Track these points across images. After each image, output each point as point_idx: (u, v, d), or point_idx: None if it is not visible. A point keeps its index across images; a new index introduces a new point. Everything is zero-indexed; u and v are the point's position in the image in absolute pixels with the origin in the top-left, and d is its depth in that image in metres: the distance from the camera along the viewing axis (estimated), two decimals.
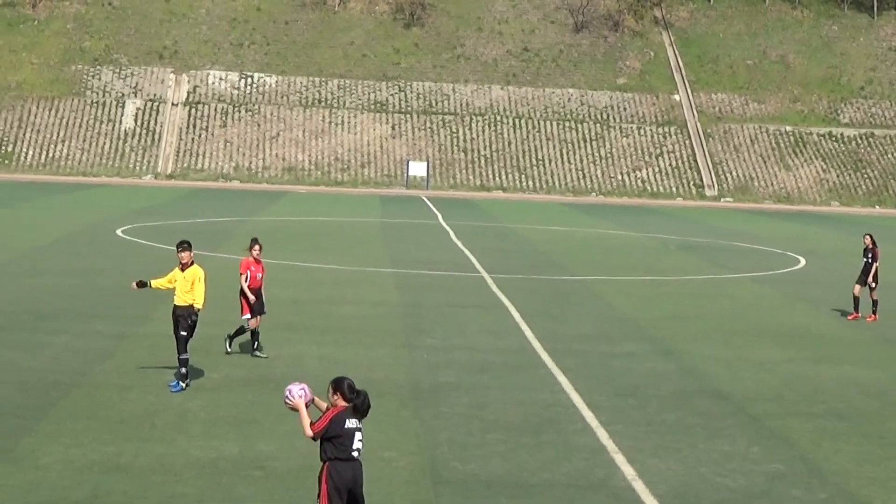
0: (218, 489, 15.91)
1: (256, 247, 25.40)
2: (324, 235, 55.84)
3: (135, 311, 30.49)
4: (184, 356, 21.75)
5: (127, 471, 16.51)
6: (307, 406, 12.97)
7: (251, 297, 24.84)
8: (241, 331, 25.01)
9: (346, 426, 12.63)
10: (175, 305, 22.07)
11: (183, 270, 22.02)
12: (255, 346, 24.90)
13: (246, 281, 24.94)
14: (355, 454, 12.67)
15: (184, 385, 21.66)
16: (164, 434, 18.59)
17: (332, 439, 12.64)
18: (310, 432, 12.74)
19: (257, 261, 25.23)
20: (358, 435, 12.68)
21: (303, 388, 13.04)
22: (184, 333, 21.83)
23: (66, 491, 15.46)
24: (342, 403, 12.81)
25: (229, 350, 24.82)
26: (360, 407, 12.72)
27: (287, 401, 13.04)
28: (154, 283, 22.35)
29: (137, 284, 22.52)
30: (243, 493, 15.81)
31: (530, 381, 23.63)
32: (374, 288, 37.44)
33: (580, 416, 20.78)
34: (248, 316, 24.77)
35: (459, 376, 23.82)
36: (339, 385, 12.89)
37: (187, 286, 21.89)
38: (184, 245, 22.21)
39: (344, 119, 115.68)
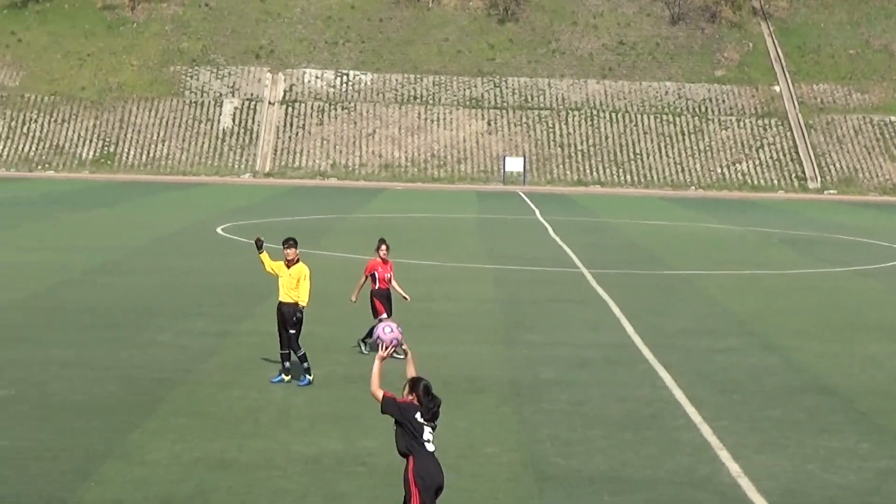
0: (321, 485, 15.97)
1: (383, 247, 25.17)
2: (421, 232, 55.91)
3: (237, 309, 30.73)
4: (300, 352, 21.92)
5: (231, 466, 16.64)
6: (397, 348, 13.03)
7: (354, 298, 24.69)
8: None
9: (415, 417, 12.58)
10: (280, 302, 22.18)
11: (289, 267, 22.12)
12: (365, 336, 24.79)
13: (375, 283, 24.85)
14: (431, 448, 12.61)
15: (310, 379, 21.84)
16: (268, 430, 18.71)
17: (401, 425, 12.58)
18: (378, 392, 12.68)
19: (384, 261, 25.07)
20: (427, 429, 12.59)
21: (396, 328, 13.24)
22: (292, 331, 21.97)
23: (172, 486, 15.61)
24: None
25: (364, 352, 24.69)
26: (428, 412, 12.64)
27: (381, 336, 13.20)
28: (264, 257, 22.39)
29: (256, 242, 22.57)
30: (346, 488, 15.86)
31: (631, 376, 23.48)
32: (473, 284, 37.40)
33: (683, 412, 20.60)
34: (385, 316, 24.66)
35: (560, 372, 23.72)
36: (415, 385, 12.84)
37: (293, 283, 22.00)
38: (290, 242, 22.31)
39: (439, 115, 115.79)
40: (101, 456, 16.92)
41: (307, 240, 46.04)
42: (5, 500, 14.87)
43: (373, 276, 24.97)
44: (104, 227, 54.31)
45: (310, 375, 21.97)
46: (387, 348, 13.17)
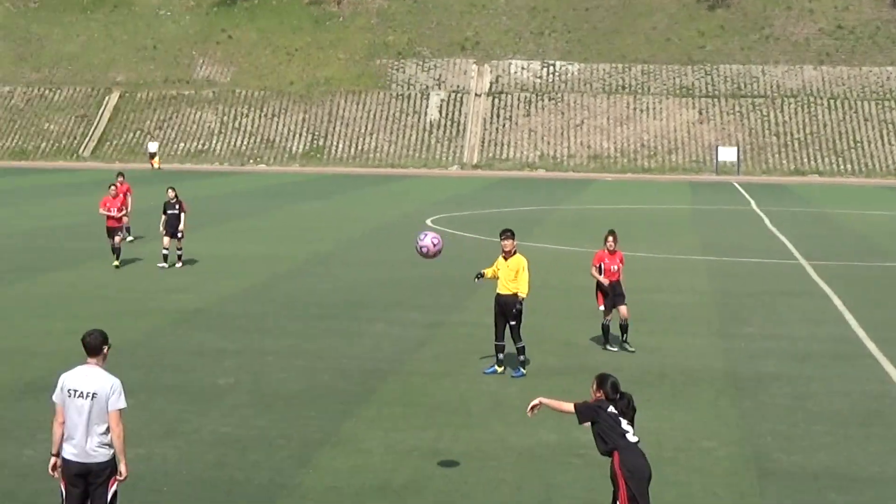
0: (536, 476, 15.84)
1: (610, 238, 24.85)
2: (633, 224, 55.33)
3: (448, 301, 30.80)
4: (520, 344, 21.85)
5: (445, 456, 16.62)
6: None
7: (604, 284, 24.45)
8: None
9: (609, 411, 12.48)
10: (498, 294, 22.08)
11: (506, 259, 22.01)
12: (624, 339, 24.52)
13: (600, 273, 24.61)
14: (634, 439, 12.43)
15: (524, 371, 21.74)
16: (481, 420, 18.66)
17: (597, 424, 12.46)
18: (567, 406, 12.67)
19: (612, 252, 24.76)
20: (624, 420, 12.46)
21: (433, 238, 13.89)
22: (512, 322, 21.88)
23: (388, 475, 15.66)
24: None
25: (612, 348, 24.48)
26: (624, 410, 12.52)
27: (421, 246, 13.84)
28: (487, 272, 22.39)
29: (477, 277, 22.55)
30: (561, 480, 15.70)
31: (856, 371, 22.77)
32: (688, 276, 36.84)
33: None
34: (603, 308, 24.49)
35: (780, 366, 23.14)
36: (602, 382, 12.72)
37: (511, 275, 21.89)
38: (507, 233, 22.21)
39: (649, 105, 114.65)
40: (317, 444, 17.08)
41: (517, 231, 45.94)
42: (227, 484, 15.11)
43: (599, 267, 24.65)
44: (316, 219, 55.11)
45: (524, 368, 21.85)
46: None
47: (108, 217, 37.12)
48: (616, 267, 24.61)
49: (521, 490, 15.21)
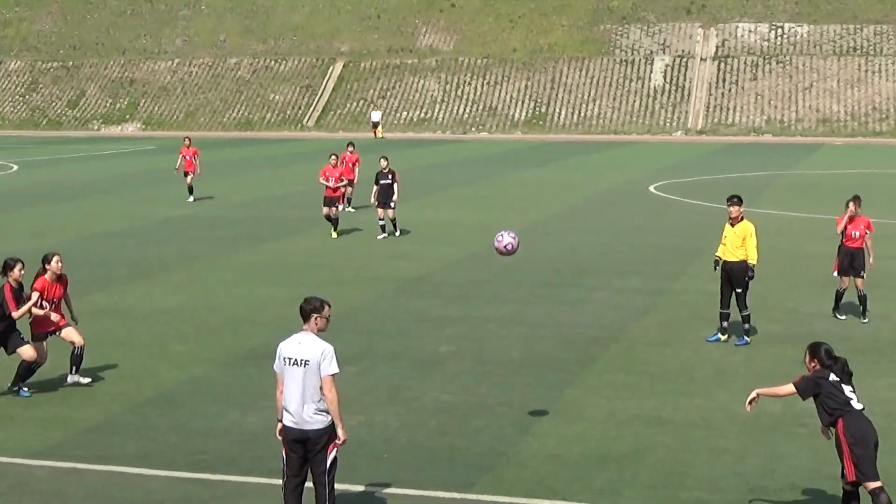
0: (760, 445, 15.66)
1: (852, 204, 24.01)
2: (865, 188, 53.83)
3: (670, 268, 30.56)
4: (745, 312, 21.59)
5: (667, 424, 16.54)
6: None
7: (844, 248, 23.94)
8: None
9: (829, 379, 12.33)
10: (724, 261, 21.78)
11: (733, 226, 21.72)
12: (862, 312, 24.01)
13: (842, 236, 24.00)
14: (858, 406, 12.25)
15: (748, 340, 21.49)
16: (704, 389, 18.51)
17: (818, 397, 12.36)
18: (787, 389, 12.76)
19: (852, 218, 24.10)
20: (847, 387, 12.30)
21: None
22: (738, 290, 21.58)
23: (609, 442, 15.66)
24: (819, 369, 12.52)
25: (841, 317, 24.10)
26: (840, 374, 12.35)
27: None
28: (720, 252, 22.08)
29: (715, 264, 22.21)
30: (786, 449, 15.49)
31: None
32: None
33: None
34: (836, 273, 24.05)
35: None
36: (815, 351, 12.60)
37: (738, 241, 21.58)
38: (733, 199, 21.91)
39: (881, 66, 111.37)
40: (538, 411, 17.15)
41: (743, 197, 45.26)
42: (448, 452, 15.30)
43: (842, 232, 24.02)
44: (538, 187, 55.18)
45: (748, 337, 21.57)
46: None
47: (327, 187, 37.43)
48: (857, 233, 23.89)
49: (745, 460, 15.05)
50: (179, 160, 48.37)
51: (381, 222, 36.51)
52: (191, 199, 46.87)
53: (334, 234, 36.37)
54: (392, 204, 36.39)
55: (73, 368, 18.59)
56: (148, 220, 41.53)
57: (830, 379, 12.28)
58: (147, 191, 51.49)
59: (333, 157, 38.74)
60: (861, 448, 12.03)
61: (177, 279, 28.87)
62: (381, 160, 37.23)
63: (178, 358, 20.49)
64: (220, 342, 21.58)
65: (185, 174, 47.67)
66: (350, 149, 46.35)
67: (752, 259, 21.54)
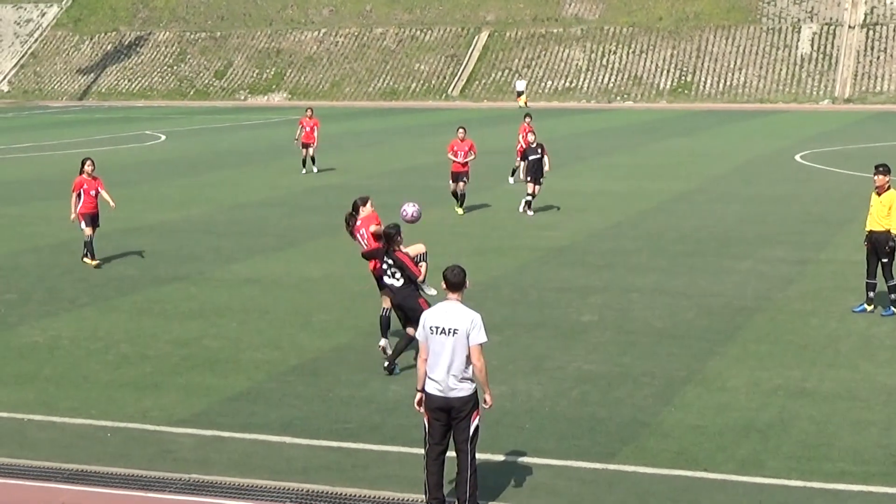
0: None
1: None
2: None
3: (816, 237, 30.26)
4: (892, 282, 21.32)
5: (812, 395, 16.44)
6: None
7: None
8: None
9: None
10: (870, 231, 21.54)
11: (879, 195, 21.45)
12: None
13: None
14: None
15: (895, 311, 21.22)
16: (849, 360, 18.35)
17: None
18: None
19: None
20: None
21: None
22: (885, 260, 21.34)
23: (753, 413, 15.61)
24: None
25: None
26: None
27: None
28: None
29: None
30: None
31: None
32: None
33: None
34: None
35: None
36: None
37: (884, 211, 21.32)
38: (880, 168, 21.64)
39: None
40: (681, 381, 17.16)
41: (892, 166, 44.54)
42: (589, 422, 15.38)
43: None
44: (683, 156, 54.82)
45: (895, 308, 21.29)
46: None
47: (454, 162, 36.03)
48: None
49: (890, 431, 14.90)
50: (299, 131, 48.26)
51: (529, 197, 35.51)
52: (313, 170, 47.01)
53: (459, 211, 35.51)
54: (541, 180, 35.72)
55: None
56: (293, 189, 42.12)
57: None
58: (292, 160, 52.19)
59: (462, 130, 36.93)
60: None
61: (321, 248, 29.29)
62: (529, 135, 36.55)
63: (321, 327, 20.81)
64: (364, 311, 21.81)
65: (305, 146, 47.44)
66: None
67: (894, 229, 21.24)
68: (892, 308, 21.27)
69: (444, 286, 12.22)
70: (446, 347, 11.94)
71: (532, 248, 29.04)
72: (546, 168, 35.88)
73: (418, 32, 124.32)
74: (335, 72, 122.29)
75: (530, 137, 36.32)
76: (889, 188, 21.43)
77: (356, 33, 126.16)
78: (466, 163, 36.03)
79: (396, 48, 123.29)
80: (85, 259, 26.78)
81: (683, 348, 19.05)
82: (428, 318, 12.15)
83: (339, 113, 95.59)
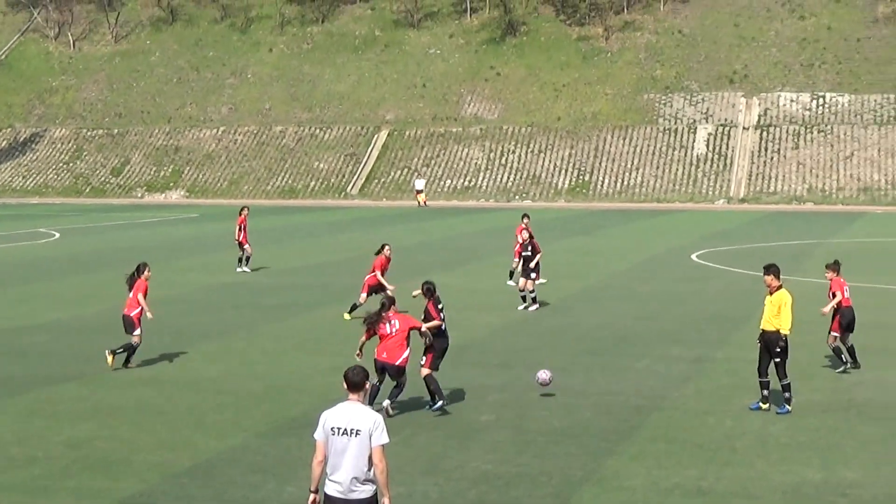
0: None
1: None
2: None
3: (713, 336, 30.50)
4: (785, 381, 21.50)
5: (708, 494, 16.47)
6: None
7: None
8: None
9: None
10: (762, 330, 21.77)
11: (770, 294, 21.71)
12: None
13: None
14: None
15: (789, 409, 21.36)
16: (745, 458, 18.41)
17: None
18: None
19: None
20: None
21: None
22: (777, 360, 21.54)
23: None
24: None
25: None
26: None
27: None
28: None
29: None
30: None
31: None
32: None
33: None
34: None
35: None
36: None
37: (774, 310, 21.56)
38: (767, 269, 21.93)
39: None
40: (578, 481, 17.11)
41: (786, 265, 45.17)
42: None
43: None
44: (581, 254, 55.21)
45: (789, 405, 21.46)
46: None
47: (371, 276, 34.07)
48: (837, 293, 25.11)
49: None
50: (238, 230, 46.64)
51: (526, 293, 35.64)
52: (244, 269, 46.25)
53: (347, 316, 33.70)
54: (531, 275, 35.56)
55: None
56: (190, 287, 41.76)
57: None
58: (190, 259, 51.80)
59: (388, 248, 34.87)
60: None
61: (217, 348, 28.96)
62: (524, 232, 36.38)
63: (216, 427, 20.52)
64: (260, 411, 21.59)
65: (241, 245, 46.55)
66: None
67: (785, 329, 21.48)
68: (787, 406, 21.44)
69: (346, 387, 12.09)
70: (349, 449, 11.80)
71: None
72: (532, 265, 35.57)
73: (318, 131, 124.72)
74: (234, 170, 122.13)
75: (524, 235, 36.35)
76: (780, 288, 21.69)
77: (255, 131, 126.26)
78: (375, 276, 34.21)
79: (295, 146, 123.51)
80: None
81: (581, 448, 19.01)
82: (328, 418, 12.00)
83: (237, 211, 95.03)
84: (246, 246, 46.45)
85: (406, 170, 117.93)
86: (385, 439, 11.86)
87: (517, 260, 36.99)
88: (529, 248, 35.86)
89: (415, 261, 50.05)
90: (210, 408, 22.00)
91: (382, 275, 33.90)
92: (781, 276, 21.90)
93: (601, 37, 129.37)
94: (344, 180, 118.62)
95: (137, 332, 26.05)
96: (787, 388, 21.55)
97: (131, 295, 26.35)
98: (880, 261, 51.45)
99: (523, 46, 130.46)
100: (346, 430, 11.83)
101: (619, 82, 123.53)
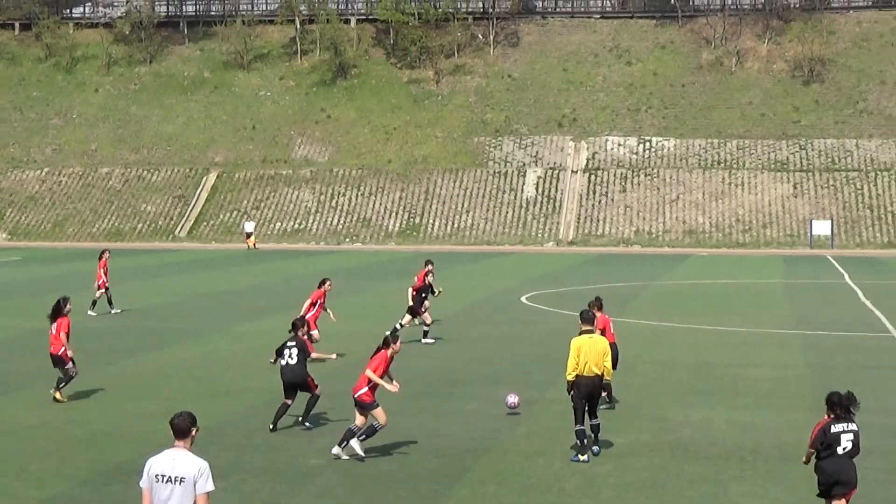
0: None
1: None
2: (728, 298, 55.04)
3: (542, 377, 30.79)
4: (595, 421, 21.77)
5: None
6: None
7: None
8: None
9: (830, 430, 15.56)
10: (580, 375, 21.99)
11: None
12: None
13: None
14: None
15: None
16: (573, 499, 18.62)
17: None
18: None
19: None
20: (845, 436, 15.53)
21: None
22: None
23: None
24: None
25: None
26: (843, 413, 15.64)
27: None
28: None
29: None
30: None
31: None
32: (782, 350, 36.54)
33: None
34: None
35: (873, 440, 22.82)
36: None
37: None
38: (587, 313, 22.24)
39: (744, 179, 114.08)
40: None
41: (614, 306, 45.88)
42: None
43: None
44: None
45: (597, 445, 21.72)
46: None
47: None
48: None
49: None
50: (101, 272, 46.58)
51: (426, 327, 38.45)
52: (113, 310, 46.35)
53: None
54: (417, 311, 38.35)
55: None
56: (11, 332, 40.78)
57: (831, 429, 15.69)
58: (11, 302, 50.65)
59: (330, 284, 35.90)
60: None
61: (40, 394, 28.27)
62: (430, 276, 39.32)
63: (37, 476, 20.03)
64: (84, 458, 21.16)
65: (103, 289, 46.21)
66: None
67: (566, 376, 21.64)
68: (598, 446, 21.68)
69: (172, 432, 11.93)
70: (173, 497, 11.61)
71: (261, 390, 28.71)
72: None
73: (145, 172, 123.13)
74: (58, 212, 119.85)
75: (430, 278, 39.11)
76: (602, 333, 22.05)
77: (80, 172, 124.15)
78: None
79: (122, 188, 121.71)
80: None
81: (412, 491, 19.02)
82: (153, 465, 11.80)
83: (61, 254, 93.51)
84: (100, 291, 46.02)
85: (235, 212, 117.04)
86: (210, 487, 11.70)
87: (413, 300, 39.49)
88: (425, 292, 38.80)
89: (248, 304, 49.70)
90: (31, 456, 21.48)
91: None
92: (612, 319, 22.23)
93: (432, 80, 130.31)
94: (172, 222, 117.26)
95: (69, 364, 27.05)
96: (596, 428, 21.74)
97: (54, 332, 27.19)
98: (704, 302, 52.57)
99: (354, 89, 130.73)
100: (170, 477, 11.64)
101: (450, 125, 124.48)
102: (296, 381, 24.05)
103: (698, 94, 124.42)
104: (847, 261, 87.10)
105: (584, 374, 21.29)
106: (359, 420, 21.26)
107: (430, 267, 40.58)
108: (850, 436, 15.45)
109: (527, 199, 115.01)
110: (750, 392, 28.61)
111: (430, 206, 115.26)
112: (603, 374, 21.44)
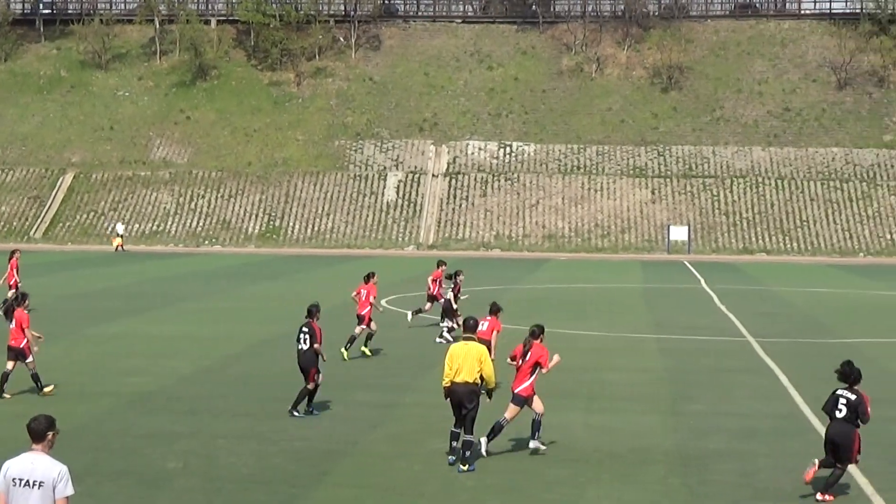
0: None
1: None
2: (586, 302, 55.68)
3: (402, 381, 30.89)
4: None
5: None
6: None
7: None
8: None
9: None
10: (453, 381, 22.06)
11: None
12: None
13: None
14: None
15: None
16: (432, 502, 18.69)
17: None
18: None
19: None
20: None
21: None
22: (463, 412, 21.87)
23: None
24: None
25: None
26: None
27: None
28: None
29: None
30: None
31: (801, 447, 22.96)
32: (639, 354, 37.10)
33: (855, 484, 20.09)
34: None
35: (727, 443, 23.35)
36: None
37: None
38: (469, 323, 22.38)
39: (603, 185, 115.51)
40: None
41: (474, 311, 46.10)
42: None
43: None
44: (270, 300, 55.10)
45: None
46: None
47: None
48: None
49: None
50: (12, 273, 45.85)
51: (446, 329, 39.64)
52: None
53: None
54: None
55: None
56: None
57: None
58: None
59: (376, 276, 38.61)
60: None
61: None
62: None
63: None
64: None
65: (13, 287, 45.01)
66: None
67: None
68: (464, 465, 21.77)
69: (30, 436, 11.78)
70: (31, 501, 11.46)
71: (116, 393, 28.38)
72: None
73: None
74: None
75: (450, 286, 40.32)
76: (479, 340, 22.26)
77: None
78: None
79: None
80: None
81: (271, 494, 18.96)
82: (10, 468, 11.61)
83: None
84: (12, 290, 44.98)
85: (93, 213, 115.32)
86: (70, 491, 11.58)
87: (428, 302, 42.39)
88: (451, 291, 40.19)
89: (101, 307, 49.02)
90: None
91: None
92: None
93: (293, 82, 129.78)
94: (27, 224, 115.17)
95: (30, 359, 27.76)
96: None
97: (14, 326, 27.79)
98: (562, 306, 53.11)
99: (214, 90, 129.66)
100: (28, 481, 11.48)
101: (311, 128, 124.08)
102: (305, 367, 25.68)
103: (559, 100, 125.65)
104: (703, 266, 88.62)
105: (456, 380, 21.30)
106: (510, 413, 21.97)
107: (442, 268, 43.03)
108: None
109: (387, 203, 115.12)
110: (607, 395, 29.01)
111: (291, 209, 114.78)
112: (480, 382, 21.38)
